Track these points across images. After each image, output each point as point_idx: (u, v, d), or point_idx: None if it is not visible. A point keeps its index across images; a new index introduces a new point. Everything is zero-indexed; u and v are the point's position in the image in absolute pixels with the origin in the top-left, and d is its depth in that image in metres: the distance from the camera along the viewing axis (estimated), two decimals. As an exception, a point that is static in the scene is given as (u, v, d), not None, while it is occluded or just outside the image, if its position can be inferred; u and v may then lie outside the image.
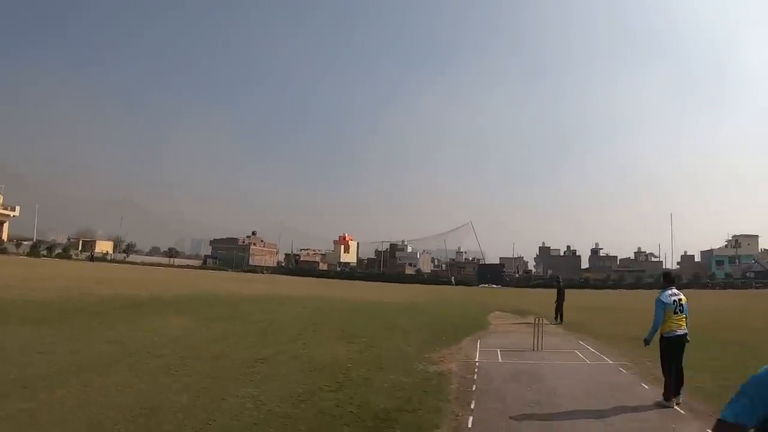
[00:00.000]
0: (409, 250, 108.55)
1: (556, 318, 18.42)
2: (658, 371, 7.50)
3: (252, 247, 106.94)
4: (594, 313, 22.93)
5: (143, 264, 77.77)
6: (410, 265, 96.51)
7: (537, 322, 12.03)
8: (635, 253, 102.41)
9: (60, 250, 79.22)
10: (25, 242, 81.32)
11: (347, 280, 68.16)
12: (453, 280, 73.73)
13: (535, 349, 11.46)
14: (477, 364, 9.52)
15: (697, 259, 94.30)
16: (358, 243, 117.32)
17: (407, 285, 61.88)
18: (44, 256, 72.98)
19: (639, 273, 78.18)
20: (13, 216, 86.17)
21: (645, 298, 20.32)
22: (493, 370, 9.04)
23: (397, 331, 13.69)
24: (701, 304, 25.23)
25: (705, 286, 66.77)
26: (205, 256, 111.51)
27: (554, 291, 19.90)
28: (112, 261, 79.28)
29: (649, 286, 68.05)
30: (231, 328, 12.72)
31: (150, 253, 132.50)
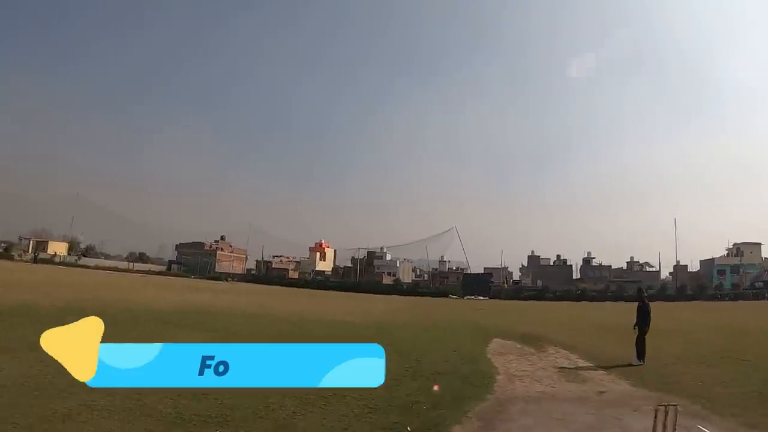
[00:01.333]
0: (389, 257, 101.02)
1: (639, 356, 11.37)
2: None
3: (219, 252, 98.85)
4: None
5: (96, 268, 70.57)
6: (389, 274, 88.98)
7: (660, 413, 4.63)
8: (628, 262, 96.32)
9: (1, 250, 72.77)
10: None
11: (317, 290, 60.69)
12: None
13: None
14: None
15: (692, 268, 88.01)
16: (335, 250, 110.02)
17: (383, 296, 54.62)
18: (-19, 256, 66.08)
19: (639, 284, 71.77)
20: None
21: (664, 313, 13.24)
22: None
23: (315, 404, 6.44)
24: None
25: (713, 298, 60.61)
26: (169, 261, 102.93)
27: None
28: (60, 263, 71.79)
29: (651, 298, 61.78)
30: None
31: (127, 258, 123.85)
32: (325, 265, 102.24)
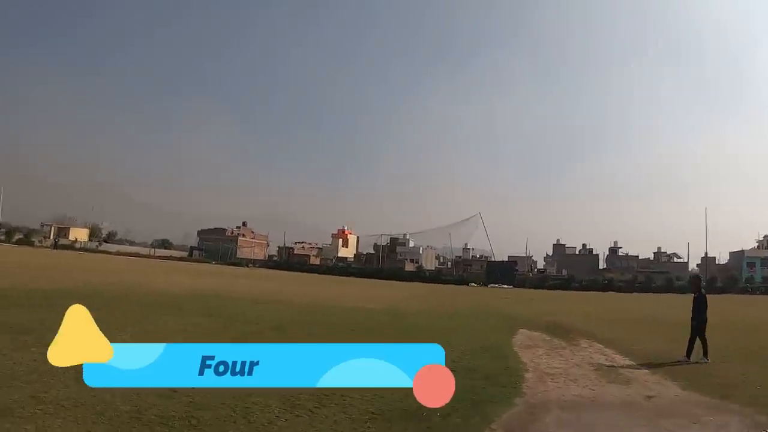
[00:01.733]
0: (412, 244, 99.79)
1: (689, 352, 10.07)
2: None
3: (240, 238, 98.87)
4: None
5: (117, 254, 71.03)
6: (411, 261, 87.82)
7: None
8: (655, 253, 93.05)
9: (21, 236, 73.89)
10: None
11: (338, 276, 60.00)
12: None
13: None
14: None
15: (720, 260, 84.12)
16: (358, 237, 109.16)
17: (405, 283, 53.65)
18: (2, 242, 66.76)
19: (667, 275, 69.15)
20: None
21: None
22: None
23: (304, 407, 5.35)
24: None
25: (744, 291, 58.07)
26: (191, 247, 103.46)
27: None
28: (81, 249, 72.49)
29: (681, 290, 59.49)
30: None
31: (152, 245, 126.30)
32: (347, 252, 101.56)
